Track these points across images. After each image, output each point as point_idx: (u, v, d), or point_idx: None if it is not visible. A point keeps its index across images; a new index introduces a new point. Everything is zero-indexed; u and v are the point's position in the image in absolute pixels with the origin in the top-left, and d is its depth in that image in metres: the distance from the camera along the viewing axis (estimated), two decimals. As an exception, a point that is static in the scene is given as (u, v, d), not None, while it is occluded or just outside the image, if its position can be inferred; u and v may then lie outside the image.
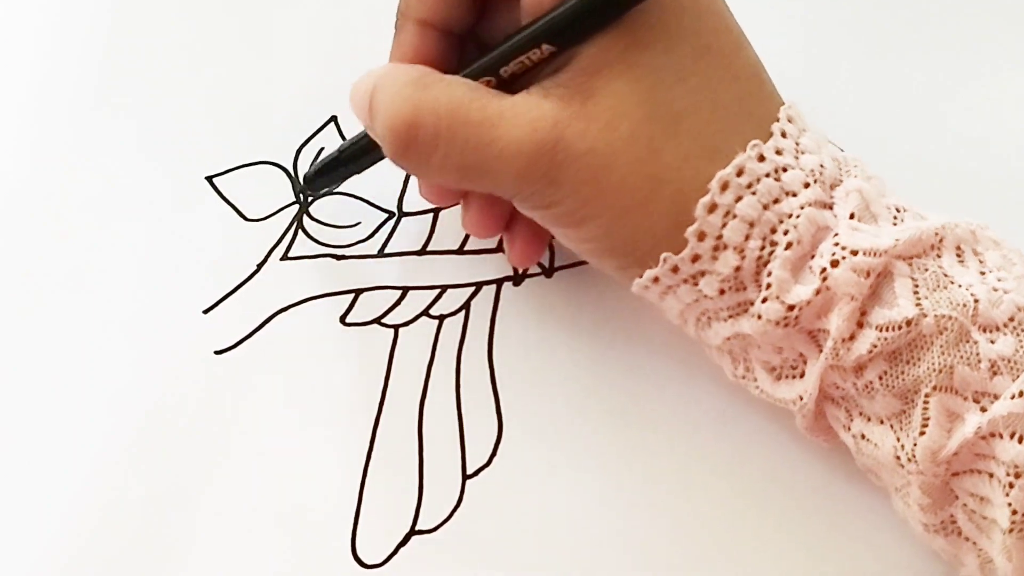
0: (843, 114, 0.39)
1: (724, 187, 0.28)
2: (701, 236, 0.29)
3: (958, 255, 0.29)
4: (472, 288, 0.37)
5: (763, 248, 0.29)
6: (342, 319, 0.37)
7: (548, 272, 0.37)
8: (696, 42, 0.29)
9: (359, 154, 0.35)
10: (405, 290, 0.37)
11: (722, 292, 0.29)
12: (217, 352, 0.36)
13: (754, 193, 0.29)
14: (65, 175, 0.39)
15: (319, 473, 0.34)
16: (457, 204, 0.35)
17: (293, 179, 0.38)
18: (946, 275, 0.28)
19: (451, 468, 0.34)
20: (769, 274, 0.29)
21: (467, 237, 0.38)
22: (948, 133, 0.39)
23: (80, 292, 0.37)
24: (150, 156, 0.39)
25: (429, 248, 0.38)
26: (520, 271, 0.37)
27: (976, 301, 0.27)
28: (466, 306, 0.37)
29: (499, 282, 0.37)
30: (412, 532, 0.33)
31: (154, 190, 0.39)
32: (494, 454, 0.35)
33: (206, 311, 0.37)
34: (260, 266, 0.37)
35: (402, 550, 0.33)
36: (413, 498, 0.34)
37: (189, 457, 0.34)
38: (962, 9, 0.41)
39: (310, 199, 0.38)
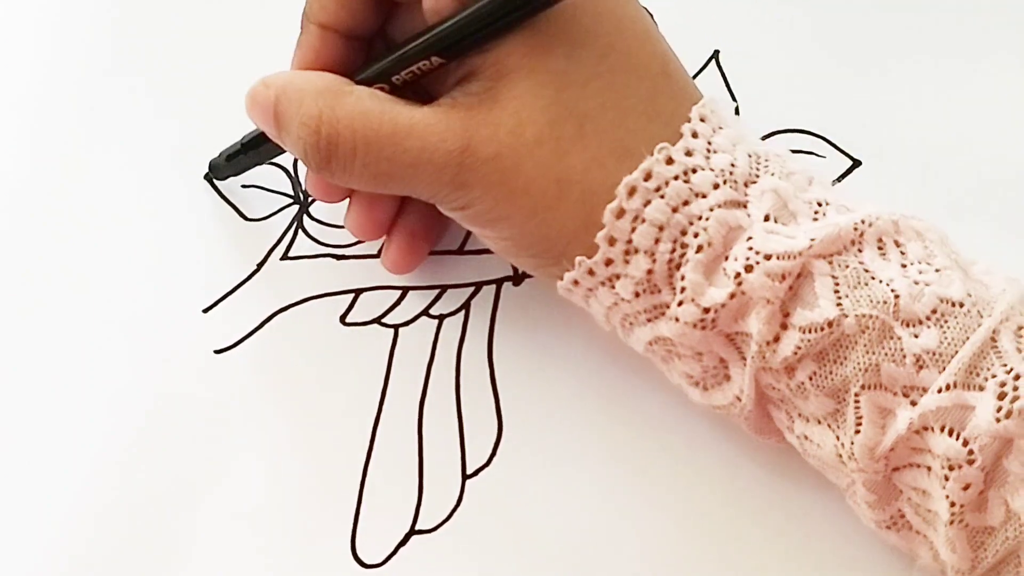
0: (845, 116, 0.39)
1: (631, 192, 0.29)
2: (611, 241, 0.29)
3: (879, 248, 0.29)
4: (472, 288, 0.37)
5: (674, 251, 0.29)
6: (342, 319, 0.37)
7: (548, 272, 0.37)
8: (597, 43, 0.29)
9: (259, 144, 0.35)
10: (405, 290, 0.37)
11: (637, 295, 0.29)
12: (217, 351, 0.36)
13: (662, 196, 0.29)
14: (65, 175, 0.39)
15: (319, 473, 0.34)
16: (344, 199, 0.35)
17: (293, 179, 0.39)
18: (867, 271, 0.28)
19: (451, 468, 0.34)
20: (682, 277, 0.29)
21: (467, 237, 0.38)
22: (949, 134, 0.39)
23: (80, 292, 0.37)
24: (150, 156, 0.39)
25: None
26: (519, 271, 0.37)
27: (897, 297, 0.27)
28: (466, 306, 0.37)
29: (499, 282, 0.37)
30: (412, 532, 0.33)
31: (154, 190, 0.39)
32: (494, 454, 0.35)
33: (206, 310, 0.37)
34: (260, 266, 0.37)
35: (402, 550, 0.33)
36: (413, 498, 0.34)
37: (188, 457, 0.34)
38: (963, 8, 0.41)
39: (310, 199, 0.38)
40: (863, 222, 0.29)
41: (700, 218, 0.29)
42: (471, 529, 0.33)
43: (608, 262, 0.29)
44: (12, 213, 0.38)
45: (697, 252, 0.28)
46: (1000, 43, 0.40)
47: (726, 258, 0.29)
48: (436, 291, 0.37)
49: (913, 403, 0.27)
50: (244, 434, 0.35)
